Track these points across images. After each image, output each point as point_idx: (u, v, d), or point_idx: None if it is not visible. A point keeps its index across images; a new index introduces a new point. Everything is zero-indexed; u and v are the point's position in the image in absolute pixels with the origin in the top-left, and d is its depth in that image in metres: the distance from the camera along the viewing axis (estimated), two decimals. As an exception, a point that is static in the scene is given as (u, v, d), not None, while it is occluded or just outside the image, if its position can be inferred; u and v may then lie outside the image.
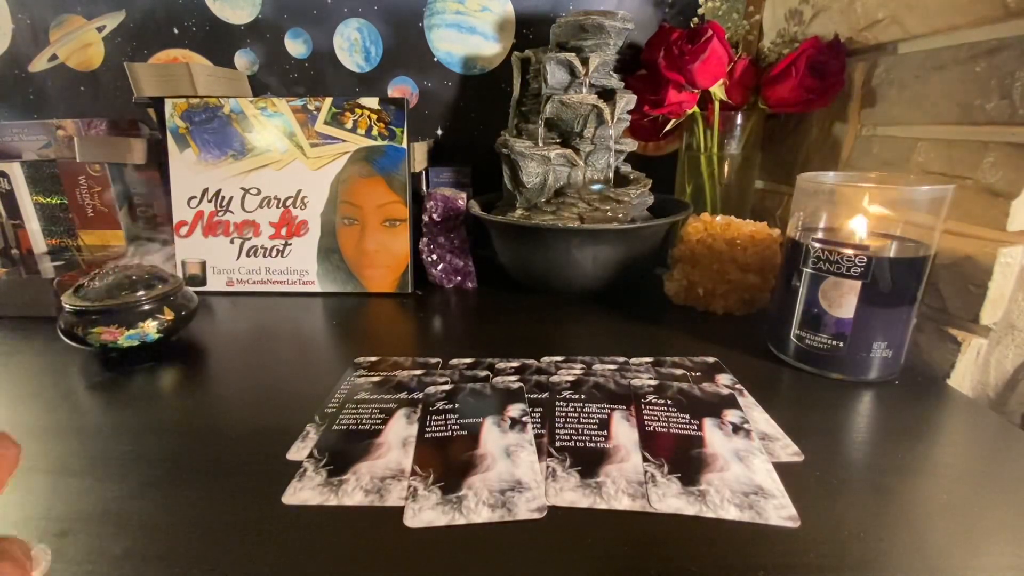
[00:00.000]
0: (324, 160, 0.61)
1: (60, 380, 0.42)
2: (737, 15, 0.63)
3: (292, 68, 0.73)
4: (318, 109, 0.60)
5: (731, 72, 0.58)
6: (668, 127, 0.63)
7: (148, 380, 0.42)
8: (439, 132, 0.76)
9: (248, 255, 0.62)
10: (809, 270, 0.40)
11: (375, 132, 0.60)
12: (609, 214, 0.56)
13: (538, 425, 0.35)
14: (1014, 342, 0.39)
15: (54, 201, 0.68)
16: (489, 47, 0.72)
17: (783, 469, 0.30)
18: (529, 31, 0.70)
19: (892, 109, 0.49)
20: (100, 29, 0.72)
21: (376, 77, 0.73)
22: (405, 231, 0.61)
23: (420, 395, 0.38)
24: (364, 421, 0.36)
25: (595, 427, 0.34)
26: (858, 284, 0.38)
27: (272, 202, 0.61)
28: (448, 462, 0.31)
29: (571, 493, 0.29)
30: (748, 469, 0.30)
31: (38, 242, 0.70)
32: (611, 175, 0.60)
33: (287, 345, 0.49)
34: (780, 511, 0.27)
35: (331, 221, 0.61)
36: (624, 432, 0.34)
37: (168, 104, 0.61)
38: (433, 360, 0.44)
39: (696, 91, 0.58)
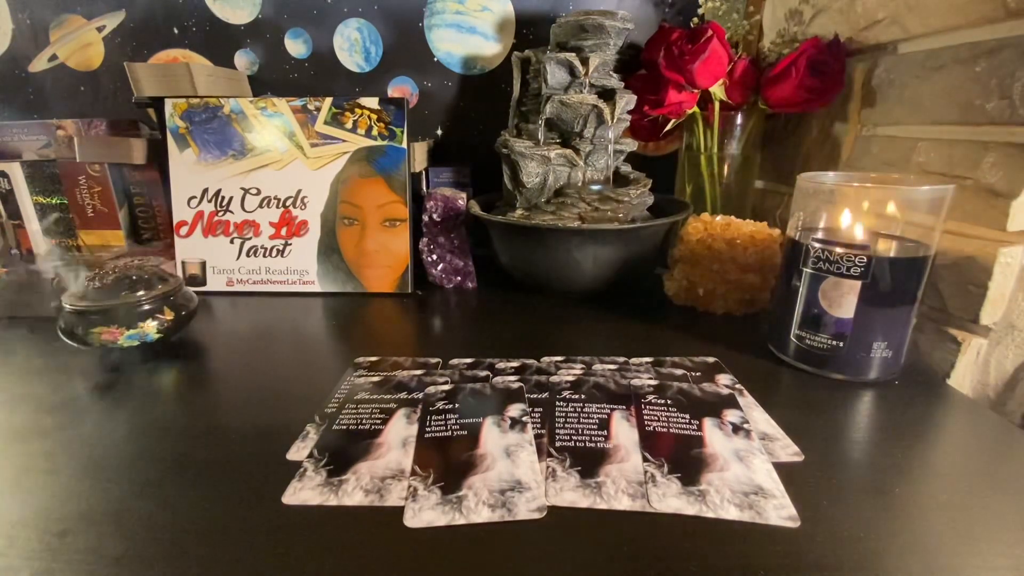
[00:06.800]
0: (324, 160, 0.61)
1: (60, 380, 0.42)
2: (737, 15, 0.63)
3: (292, 68, 0.73)
4: (318, 109, 0.60)
5: (731, 72, 0.58)
6: (668, 127, 0.62)
7: (148, 380, 0.42)
8: (439, 132, 0.76)
9: (248, 255, 0.62)
10: (809, 270, 0.40)
11: (375, 132, 0.60)
12: (609, 214, 0.56)
13: (538, 425, 0.35)
14: (1014, 342, 0.39)
15: (54, 201, 0.68)
16: (489, 47, 0.72)
17: (783, 469, 0.31)
18: (529, 31, 0.70)
19: (892, 109, 0.49)
20: (100, 29, 0.72)
21: (376, 77, 0.73)
22: (405, 231, 0.61)
23: (420, 395, 0.38)
24: (364, 421, 0.35)
25: (595, 427, 0.34)
26: (858, 284, 0.38)
27: (272, 202, 0.61)
28: (448, 462, 0.31)
29: (571, 493, 0.29)
30: (748, 469, 0.30)
31: (38, 242, 0.70)
32: (611, 175, 0.60)
33: (287, 345, 0.49)
34: (780, 511, 0.27)
35: (331, 221, 0.61)
36: (624, 432, 0.34)
37: (168, 104, 0.61)
38: (433, 360, 0.44)
39: (696, 91, 0.58)
